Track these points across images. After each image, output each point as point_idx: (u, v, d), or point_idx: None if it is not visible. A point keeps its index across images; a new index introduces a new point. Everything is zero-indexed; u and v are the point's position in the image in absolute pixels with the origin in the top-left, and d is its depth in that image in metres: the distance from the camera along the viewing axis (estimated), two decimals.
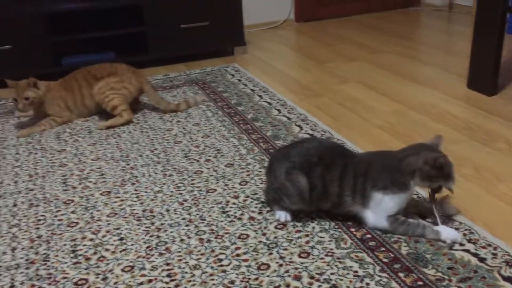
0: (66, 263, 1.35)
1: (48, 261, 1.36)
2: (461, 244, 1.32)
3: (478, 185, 1.62)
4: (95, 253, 1.38)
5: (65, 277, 1.29)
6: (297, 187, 1.40)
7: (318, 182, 1.40)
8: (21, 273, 1.32)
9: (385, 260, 1.28)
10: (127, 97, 2.28)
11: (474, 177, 1.67)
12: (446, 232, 1.33)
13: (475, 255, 1.27)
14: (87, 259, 1.36)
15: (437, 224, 1.37)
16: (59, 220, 1.55)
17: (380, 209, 1.37)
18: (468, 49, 2.44)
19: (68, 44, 3.04)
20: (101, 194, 1.68)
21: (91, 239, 1.44)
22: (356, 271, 1.25)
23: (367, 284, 1.20)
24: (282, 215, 1.47)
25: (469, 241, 1.33)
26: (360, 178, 1.38)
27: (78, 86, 2.29)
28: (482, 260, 1.25)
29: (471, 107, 2.25)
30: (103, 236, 1.45)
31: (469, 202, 1.52)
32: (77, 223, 1.53)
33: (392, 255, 1.29)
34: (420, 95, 2.43)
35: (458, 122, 2.10)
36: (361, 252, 1.31)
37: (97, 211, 1.58)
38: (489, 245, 1.30)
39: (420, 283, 1.19)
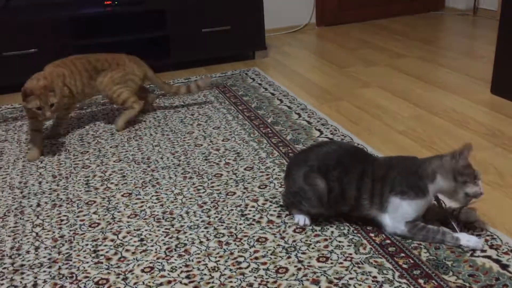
0: (87, 262, 1.37)
1: (70, 260, 1.38)
2: (483, 251, 1.30)
3: (502, 192, 1.60)
4: (115, 254, 1.40)
5: (86, 277, 1.31)
6: (316, 190, 1.40)
7: (335, 185, 1.39)
8: (44, 272, 1.35)
9: (404, 266, 1.27)
10: (134, 88, 2.31)
11: (497, 184, 1.64)
12: (466, 239, 1.31)
13: (497, 261, 1.25)
14: (108, 259, 1.38)
15: (456, 231, 1.35)
16: (81, 220, 1.58)
17: (398, 214, 1.36)
18: (492, 54, 2.41)
19: (91, 47, 3.10)
20: (122, 195, 1.71)
21: (112, 240, 1.46)
22: (375, 277, 1.24)
23: None
24: (301, 219, 1.47)
25: (491, 247, 1.31)
26: (379, 182, 1.37)
27: (79, 74, 2.23)
28: (505, 267, 1.23)
29: (495, 112, 2.22)
30: (124, 237, 1.47)
31: (492, 208, 1.50)
32: (98, 223, 1.55)
33: (412, 261, 1.28)
34: (443, 100, 2.41)
35: (481, 128, 2.07)
36: (380, 258, 1.30)
37: (118, 212, 1.61)
38: None
39: None
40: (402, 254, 1.31)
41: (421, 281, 1.21)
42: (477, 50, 3.24)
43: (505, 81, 2.35)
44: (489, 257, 1.27)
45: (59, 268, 1.36)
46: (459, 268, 1.24)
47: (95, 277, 1.31)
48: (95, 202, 1.68)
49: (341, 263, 1.30)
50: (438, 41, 3.59)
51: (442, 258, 1.28)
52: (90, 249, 1.43)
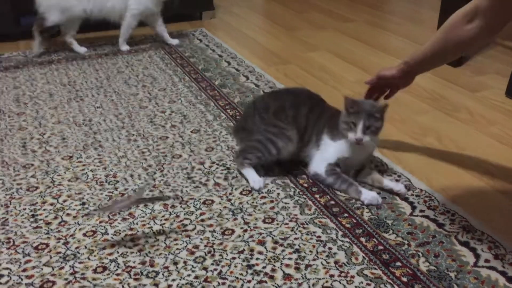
0: (25, 227, 1.31)
1: (7, 225, 1.32)
2: (421, 211, 1.35)
3: (440, 154, 1.66)
4: (55, 218, 1.35)
5: (24, 242, 1.26)
6: (277, 141, 1.46)
7: (290, 127, 1.48)
8: None
9: (347, 225, 1.30)
10: None
11: (436, 146, 1.71)
12: (367, 194, 1.39)
13: (434, 221, 1.31)
14: (48, 223, 1.33)
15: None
16: (18, 184, 1.50)
17: (324, 153, 1.46)
18: (436, 19, 2.46)
19: (28, 2, 2.90)
20: (62, 158, 1.64)
21: (51, 204, 1.41)
22: (319, 236, 1.26)
23: (330, 248, 1.22)
24: (257, 183, 1.45)
25: (429, 207, 1.36)
26: (320, 120, 1.49)
27: None
28: (441, 225, 1.29)
29: (436, 77, 2.28)
30: (64, 201, 1.42)
31: (430, 170, 1.56)
32: (37, 187, 1.49)
33: (354, 221, 1.32)
34: (388, 65, 2.44)
35: (423, 92, 2.13)
36: (325, 218, 1.33)
37: (58, 175, 1.54)
38: (448, 211, 1.34)
39: (380, 247, 1.22)
40: (346, 214, 1.34)
41: (363, 239, 1.25)
42: (421, 16, 3.31)
43: None
44: (427, 216, 1.33)
45: None
46: (398, 226, 1.29)
47: (34, 242, 1.26)
48: (33, 165, 1.60)
49: (286, 224, 1.31)
50: (384, 6, 3.63)
51: (383, 217, 1.33)
52: (28, 214, 1.37)
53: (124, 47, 2.66)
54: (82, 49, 2.63)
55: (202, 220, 1.33)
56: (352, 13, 3.36)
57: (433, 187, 1.46)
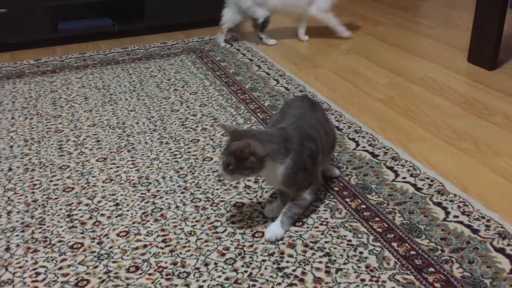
0: (61, 227, 1.35)
1: (44, 224, 1.36)
2: (455, 216, 1.32)
3: (476, 159, 1.62)
4: (90, 218, 1.38)
5: (60, 241, 1.30)
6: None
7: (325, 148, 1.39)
8: (17, 236, 1.32)
9: (379, 230, 1.29)
10: None
11: (472, 151, 1.67)
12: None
13: (468, 226, 1.28)
14: (83, 223, 1.36)
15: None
16: (55, 185, 1.55)
17: None
18: (470, 23, 2.41)
19: (64, 9, 2.99)
20: (97, 160, 1.68)
21: (86, 204, 1.44)
22: (350, 240, 1.25)
23: (361, 252, 1.21)
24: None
25: (463, 213, 1.33)
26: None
27: None
28: (475, 231, 1.26)
29: (471, 81, 2.24)
30: (99, 202, 1.45)
31: (465, 175, 1.53)
32: (72, 188, 1.53)
33: (386, 225, 1.30)
34: (420, 69, 2.41)
35: (457, 96, 2.09)
36: (356, 222, 1.32)
37: (93, 177, 1.58)
38: (483, 217, 1.31)
39: (412, 252, 1.20)
40: (377, 219, 1.33)
41: (394, 244, 1.23)
42: (454, 19, 3.25)
43: (481, 50, 2.37)
44: (461, 222, 1.30)
45: (32, 232, 1.33)
46: (431, 232, 1.27)
47: (69, 241, 1.29)
48: (68, 166, 1.65)
49: (317, 227, 1.31)
50: (417, 9, 3.59)
51: (416, 222, 1.31)
52: (64, 214, 1.41)
53: (305, 38, 2.91)
54: (272, 41, 2.84)
55: (233, 222, 1.34)
56: (384, 17, 3.33)
57: (468, 192, 1.43)
